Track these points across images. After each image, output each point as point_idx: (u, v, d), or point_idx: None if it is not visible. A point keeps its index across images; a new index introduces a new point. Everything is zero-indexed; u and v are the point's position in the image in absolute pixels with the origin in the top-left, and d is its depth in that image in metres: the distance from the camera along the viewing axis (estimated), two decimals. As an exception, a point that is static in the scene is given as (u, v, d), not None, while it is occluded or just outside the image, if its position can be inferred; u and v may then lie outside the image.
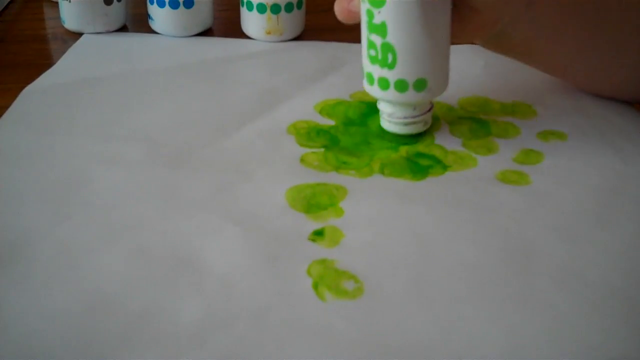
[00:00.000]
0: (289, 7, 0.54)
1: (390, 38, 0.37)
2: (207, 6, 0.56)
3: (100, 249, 0.33)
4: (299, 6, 0.55)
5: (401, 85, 0.38)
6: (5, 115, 0.43)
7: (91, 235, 0.33)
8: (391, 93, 0.39)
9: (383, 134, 0.42)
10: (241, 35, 0.56)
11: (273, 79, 0.49)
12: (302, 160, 0.40)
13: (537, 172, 0.39)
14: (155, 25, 0.56)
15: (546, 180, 0.38)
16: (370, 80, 0.39)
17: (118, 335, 0.28)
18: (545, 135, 0.43)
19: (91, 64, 0.50)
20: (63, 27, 0.57)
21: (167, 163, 0.39)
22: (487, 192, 0.37)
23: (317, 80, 0.49)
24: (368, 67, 0.39)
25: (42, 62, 0.52)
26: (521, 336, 0.29)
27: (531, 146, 0.42)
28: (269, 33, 0.54)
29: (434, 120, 0.43)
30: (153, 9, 0.55)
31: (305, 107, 0.45)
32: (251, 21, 0.54)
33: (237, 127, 0.43)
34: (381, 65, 0.38)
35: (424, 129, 0.42)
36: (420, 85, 0.38)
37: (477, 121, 0.44)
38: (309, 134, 0.42)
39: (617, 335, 0.29)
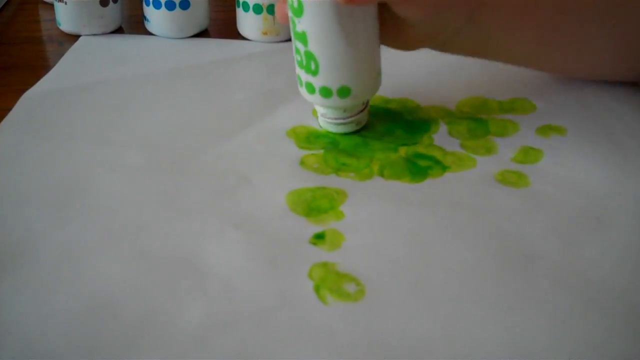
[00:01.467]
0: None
1: (311, 47, 0.38)
2: (202, 7, 0.56)
3: (102, 253, 0.33)
4: None
5: (325, 92, 0.39)
6: (5, 121, 0.43)
7: (93, 239, 0.33)
8: (317, 98, 0.40)
9: (383, 136, 0.42)
10: (237, 36, 0.56)
11: (271, 81, 0.49)
12: (301, 162, 0.40)
13: (536, 172, 0.39)
14: (151, 26, 0.56)
15: (545, 181, 0.38)
16: (300, 82, 0.40)
17: (121, 338, 0.28)
18: (544, 130, 0.43)
19: (89, 67, 0.51)
20: (58, 29, 0.57)
21: (167, 168, 0.39)
22: (486, 194, 0.37)
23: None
24: (297, 69, 0.40)
25: (37, 64, 0.52)
26: (523, 336, 0.29)
27: (530, 143, 0.42)
28: (265, 34, 0.55)
29: (432, 123, 0.43)
30: (149, 11, 0.55)
31: (304, 111, 0.45)
32: (247, 22, 0.55)
33: (235, 131, 0.43)
34: (306, 71, 0.39)
35: (357, 128, 0.42)
36: (343, 92, 0.39)
37: (476, 120, 0.44)
38: (309, 138, 0.42)
39: (618, 336, 0.29)
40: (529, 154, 0.41)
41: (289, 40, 0.55)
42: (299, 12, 0.37)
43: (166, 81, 0.49)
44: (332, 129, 0.42)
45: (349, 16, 0.36)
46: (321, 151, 0.41)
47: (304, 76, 0.39)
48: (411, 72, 0.49)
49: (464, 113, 0.45)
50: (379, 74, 0.41)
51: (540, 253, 0.33)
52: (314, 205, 0.36)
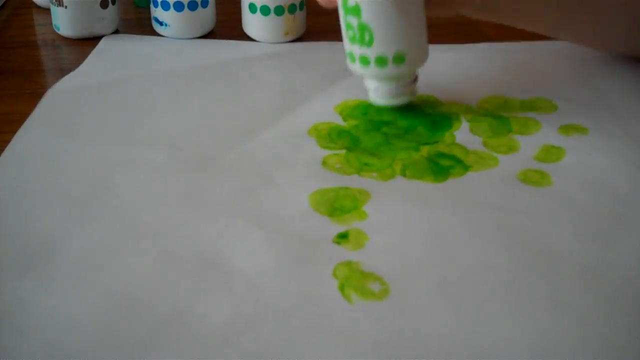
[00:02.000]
0: (292, 9, 0.54)
1: (365, 18, 0.39)
2: (210, 9, 0.57)
3: (126, 252, 0.33)
4: (301, 7, 0.55)
5: (381, 61, 0.40)
6: (29, 119, 0.44)
7: (117, 238, 0.34)
8: (373, 69, 0.41)
9: (405, 133, 0.42)
10: (242, 36, 0.57)
11: (291, 81, 0.49)
12: (324, 163, 0.40)
13: (559, 171, 0.39)
14: (160, 28, 0.56)
15: (568, 180, 0.38)
16: (352, 58, 0.42)
17: (145, 337, 0.28)
18: (566, 129, 0.43)
19: (113, 66, 0.51)
20: (53, 33, 0.57)
21: (189, 167, 0.39)
22: (509, 194, 0.37)
23: (335, 81, 0.49)
24: (348, 46, 0.41)
25: (32, 68, 0.53)
26: (546, 338, 0.29)
27: (552, 142, 0.42)
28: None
29: (454, 120, 0.44)
30: (158, 12, 0.55)
31: (325, 109, 0.45)
32: (257, 23, 0.55)
33: (258, 130, 0.43)
34: (360, 43, 0.40)
35: (411, 99, 0.44)
36: (399, 59, 0.40)
37: (497, 118, 0.44)
38: (330, 136, 0.43)
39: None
40: (551, 153, 0.41)
41: (293, 41, 0.56)
42: None
43: (187, 81, 0.49)
44: (388, 102, 0.43)
45: None
46: (343, 151, 0.41)
47: (358, 50, 0.41)
48: (432, 68, 0.49)
49: (485, 110, 0.45)
50: (426, 41, 0.42)
51: (563, 253, 0.33)
52: (337, 205, 0.36)
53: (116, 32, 0.58)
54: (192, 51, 0.54)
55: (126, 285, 0.31)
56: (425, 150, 0.41)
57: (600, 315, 0.30)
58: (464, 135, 0.42)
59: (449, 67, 0.50)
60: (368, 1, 0.39)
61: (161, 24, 0.56)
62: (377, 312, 0.30)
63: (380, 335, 0.29)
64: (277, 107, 0.46)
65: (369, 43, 0.40)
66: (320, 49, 0.55)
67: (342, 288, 0.31)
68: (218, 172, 0.39)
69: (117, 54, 0.54)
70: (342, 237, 0.34)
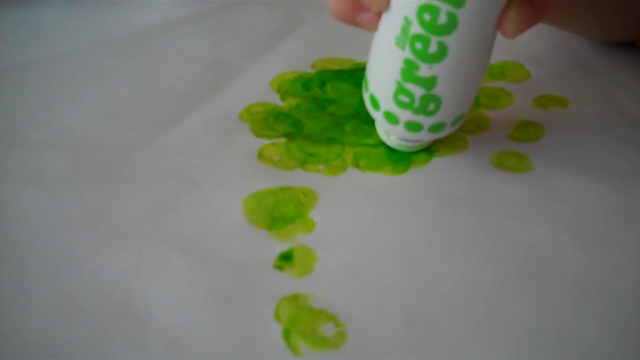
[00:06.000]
0: None
1: (439, 90, 0.28)
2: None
3: (14, 300, 0.26)
4: None
5: (438, 127, 0.30)
6: None
7: (2, 282, 0.27)
8: (423, 134, 0.30)
9: (356, 114, 0.35)
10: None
11: (219, 49, 0.41)
12: (260, 155, 0.33)
13: (538, 151, 0.33)
14: None
15: (549, 163, 0.32)
16: (393, 121, 0.30)
17: None
18: (542, 101, 0.37)
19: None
20: None
21: (95, 175, 0.32)
22: (484, 183, 0.31)
23: (272, 48, 0.42)
24: (391, 107, 0.30)
25: None
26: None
27: (528, 117, 0.35)
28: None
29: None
30: None
31: (259, 84, 0.38)
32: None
33: (179, 118, 0.35)
34: (416, 112, 0.29)
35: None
36: (457, 121, 0.31)
37: (462, 89, 0.37)
38: (267, 120, 0.35)
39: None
40: (528, 130, 0.35)
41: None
42: (432, 57, 0.27)
43: (91, 58, 0.40)
44: (415, 148, 0.33)
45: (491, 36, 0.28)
46: (283, 139, 0.34)
47: (409, 116, 0.30)
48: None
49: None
50: None
51: (554, 262, 0.27)
52: (278, 213, 0.30)
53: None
54: (96, 17, 0.45)
55: (14, 343, 0.24)
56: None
57: (605, 343, 0.24)
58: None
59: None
60: (453, 72, 0.28)
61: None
62: (333, 367, 0.24)
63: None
64: (201, 85, 0.38)
65: (432, 113, 0.29)
66: (254, 5, 0.47)
67: (286, 336, 0.25)
68: (130, 179, 0.32)
69: None
70: (285, 258, 0.28)
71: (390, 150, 0.33)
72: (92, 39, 0.42)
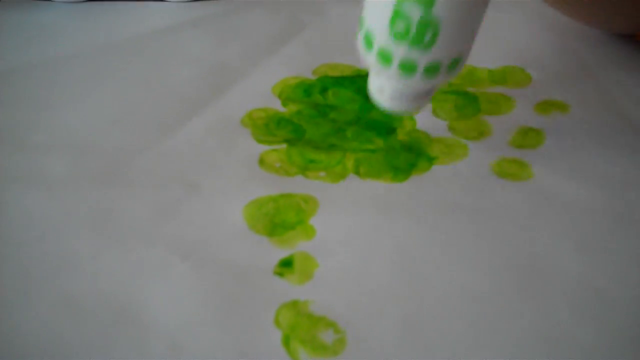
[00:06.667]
0: None
1: (439, 10, 0.26)
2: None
3: (15, 302, 0.26)
4: None
5: (433, 69, 0.28)
6: None
7: (3, 284, 0.27)
8: (417, 80, 0.28)
9: (357, 120, 0.36)
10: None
11: (221, 53, 0.42)
12: (261, 161, 0.33)
13: (539, 159, 0.33)
14: None
15: (550, 169, 0.32)
16: (387, 60, 0.28)
17: None
18: (544, 107, 0.37)
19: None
20: None
21: (96, 178, 0.32)
22: (484, 192, 0.31)
23: (274, 53, 0.42)
24: (386, 43, 0.28)
25: None
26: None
27: (529, 123, 0.36)
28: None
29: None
30: None
31: (261, 89, 0.38)
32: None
33: (180, 122, 0.36)
34: (412, 44, 0.27)
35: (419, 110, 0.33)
36: (453, 65, 0.29)
37: (464, 96, 0.37)
38: (268, 126, 0.35)
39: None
40: (528, 136, 0.35)
41: None
42: None
43: (93, 61, 0.40)
44: (405, 107, 0.31)
45: None
46: (284, 145, 0.34)
47: (403, 51, 0.28)
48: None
49: (449, 84, 0.38)
50: None
51: (553, 266, 0.28)
52: (278, 219, 0.30)
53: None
54: (96, 20, 0.45)
55: (14, 345, 0.24)
56: (381, 140, 0.34)
57: (606, 352, 0.24)
58: (426, 118, 0.36)
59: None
60: None
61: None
62: (332, 374, 0.24)
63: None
64: (203, 89, 0.38)
65: (427, 45, 0.27)
66: (257, 9, 0.47)
67: (286, 342, 0.25)
68: (131, 183, 0.32)
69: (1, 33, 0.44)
70: (286, 265, 0.28)
71: (391, 156, 0.33)
72: (95, 41, 0.42)
